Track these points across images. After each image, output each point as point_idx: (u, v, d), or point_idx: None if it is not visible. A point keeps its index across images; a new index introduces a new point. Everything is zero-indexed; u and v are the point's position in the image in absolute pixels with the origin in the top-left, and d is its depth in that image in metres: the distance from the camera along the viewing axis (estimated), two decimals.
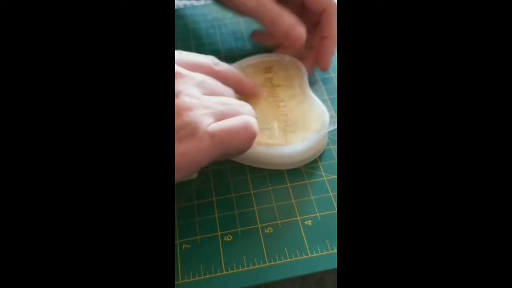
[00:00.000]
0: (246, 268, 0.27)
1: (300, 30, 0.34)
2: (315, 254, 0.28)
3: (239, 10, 0.36)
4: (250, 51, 0.44)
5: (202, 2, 0.54)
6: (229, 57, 0.43)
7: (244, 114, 0.27)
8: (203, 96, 0.26)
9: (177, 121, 0.24)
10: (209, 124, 0.25)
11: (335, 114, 0.35)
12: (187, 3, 0.54)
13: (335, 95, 0.40)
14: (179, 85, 0.25)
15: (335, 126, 0.34)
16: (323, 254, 0.28)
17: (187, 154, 0.24)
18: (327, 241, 0.29)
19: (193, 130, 0.24)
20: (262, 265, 0.28)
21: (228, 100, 0.28)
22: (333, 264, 0.27)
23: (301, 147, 0.33)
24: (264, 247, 0.28)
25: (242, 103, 0.29)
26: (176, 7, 0.53)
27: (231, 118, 0.26)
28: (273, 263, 0.28)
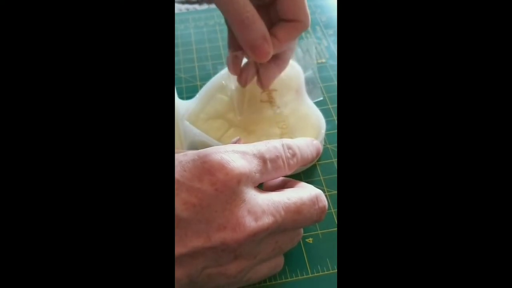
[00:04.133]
0: None
1: (269, 48, 0.30)
2: (315, 274, 0.28)
3: None
4: None
5: (204, 7, 0.54)
6: None
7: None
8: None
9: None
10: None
11: (318, 84, 0.36)
12: (190, 7, 0.54)
13: (334, 93, 0.41)
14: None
15: (320, 98, 0.35)
16: (324, 274, 0.28)
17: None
18: (327, 260, 0.29)
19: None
20: (262, 284, 0.28)
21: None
22: (334, 285, 0.27)
23: None
24: None
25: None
26: (178, 11, 0.53)
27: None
28: (273, 282, 0.28)
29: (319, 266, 0.28)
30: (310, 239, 0.30)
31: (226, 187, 0.21)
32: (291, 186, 0.26)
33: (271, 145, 0.25)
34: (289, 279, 0.28)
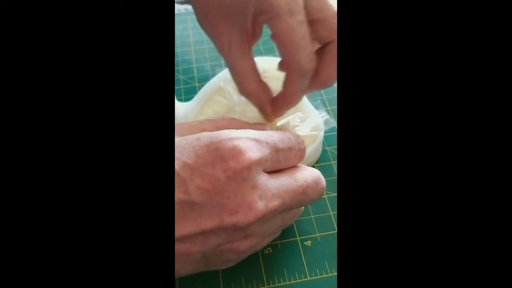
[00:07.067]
0: None
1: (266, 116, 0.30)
2: (314, 277, 0.28)
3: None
4: None
5: None
6: None
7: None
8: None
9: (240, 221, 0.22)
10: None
11: (329, 118, 0.35)
12: (188, 7, 0.53)
13: (332, 95, 0.40)
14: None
15: (329, 127, 0.34)
16: (323, 277, 0.28)
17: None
18: (326, 263, 0.29)
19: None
20: (261, 287, 0.27)
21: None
22: None
23: None
24: (263, 269, 0.28)
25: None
26: (177, 11, 0.53)
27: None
28: (271, 285, 0.28)
29: (317, 269, 0.28)
30: (309, 242, 0.30)
31: (238, 175, 0.22)
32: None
33: (286, 136, 0.25)
34: (288, 282, 0.28)
